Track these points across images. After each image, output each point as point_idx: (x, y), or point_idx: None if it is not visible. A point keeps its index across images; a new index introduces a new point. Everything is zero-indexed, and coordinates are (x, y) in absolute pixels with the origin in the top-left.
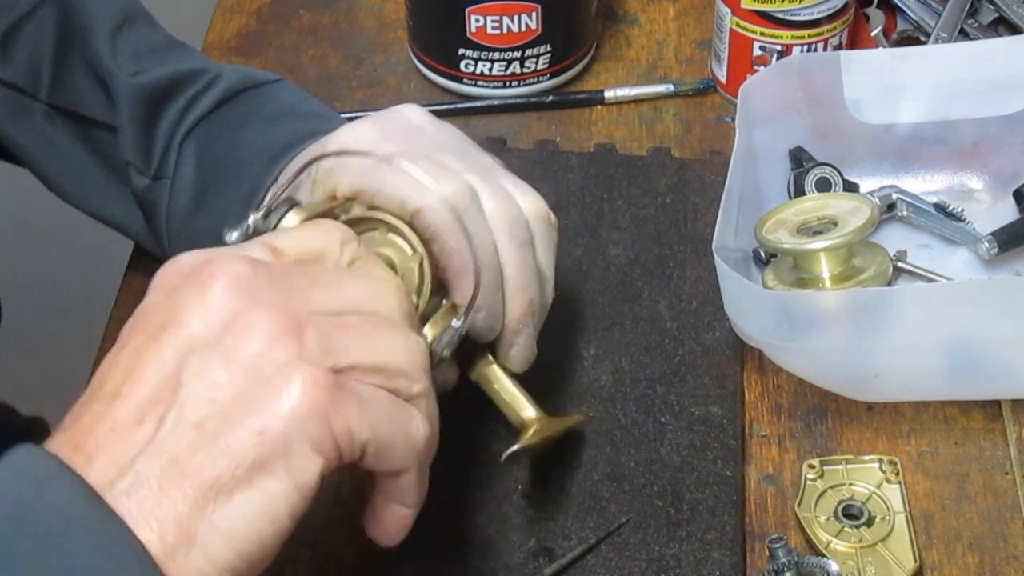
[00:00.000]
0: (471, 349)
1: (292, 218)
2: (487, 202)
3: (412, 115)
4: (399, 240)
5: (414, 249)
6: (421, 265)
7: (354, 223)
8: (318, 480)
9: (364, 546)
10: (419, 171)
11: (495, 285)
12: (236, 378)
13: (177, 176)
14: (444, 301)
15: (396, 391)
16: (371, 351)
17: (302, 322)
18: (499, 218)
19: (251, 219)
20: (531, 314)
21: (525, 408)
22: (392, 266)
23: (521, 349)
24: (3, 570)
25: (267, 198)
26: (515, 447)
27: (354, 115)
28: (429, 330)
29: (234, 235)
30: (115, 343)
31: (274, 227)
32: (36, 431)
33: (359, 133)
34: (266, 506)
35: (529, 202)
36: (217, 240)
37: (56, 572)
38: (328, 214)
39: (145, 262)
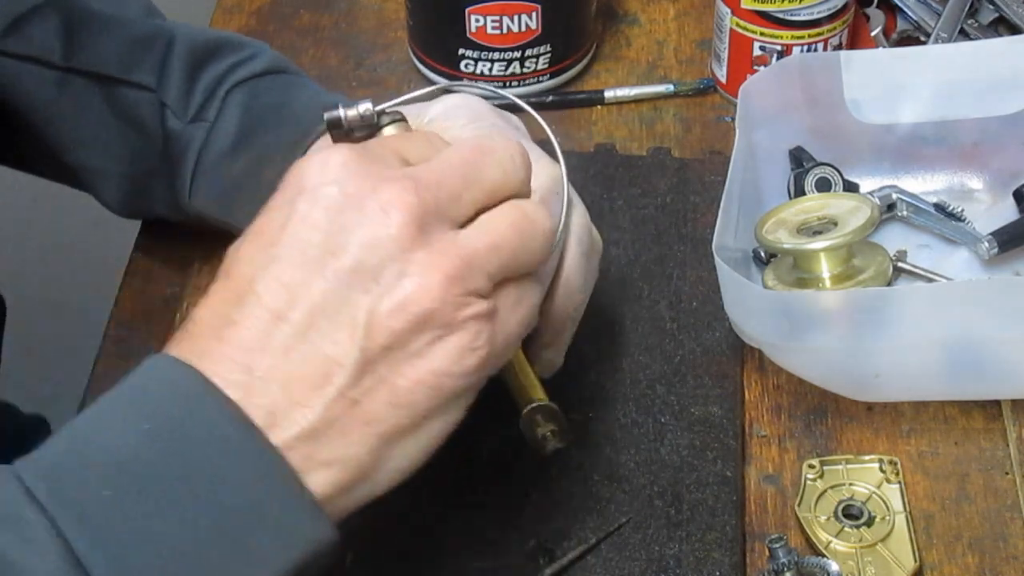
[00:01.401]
0: None
1: (391, 130)
2: (575, 209)
3: (478, 105)
4: None
5: None
6: None
7: None
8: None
9: (364, 546)
10: (529, 145)
11: (546, 279)
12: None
13: (220, 119)
14: None
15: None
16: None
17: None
18: (574, 223)
19: (362, 106)
20: (568, 320)
21: (538, 396)
22: None
23: (555, 352)
24: (160, 490)
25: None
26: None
27: None
28: None
29: (350, 113)
30: (265, 250)
31: (381, 127)
32: (37, 430)
33: (457, 100)
34: (431, 444)
35: (596, 235)
36: (251, 180)
37: (209, 496)
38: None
39: (145, 263)
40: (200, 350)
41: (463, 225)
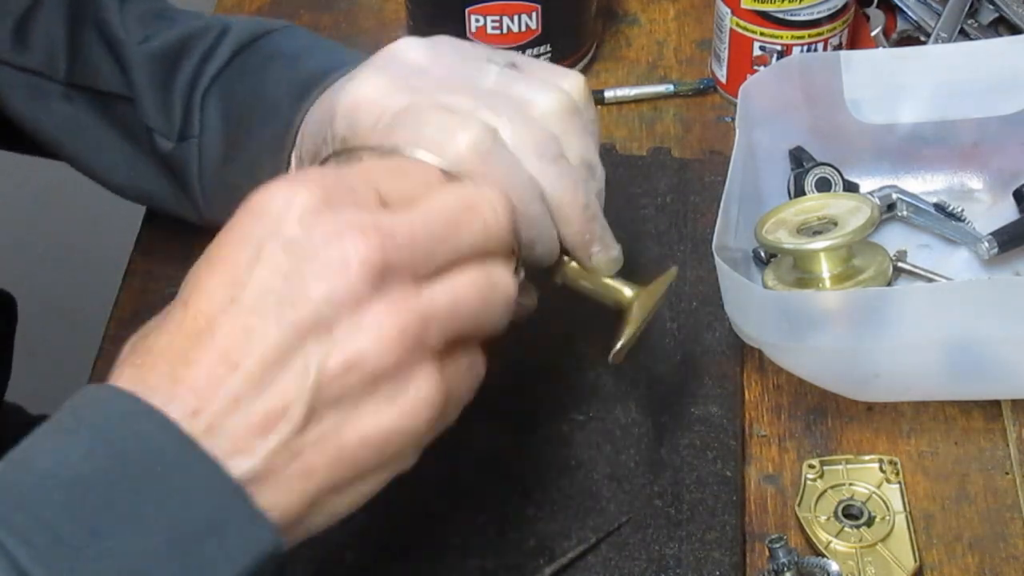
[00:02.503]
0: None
1: None
2: (505, 131)
3: (410, 53)
4: None
5: None
6: None
7: None
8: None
9: (364, 546)
10: (434, 126)
11: (541, 213)
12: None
13: (204, 132)
14: None
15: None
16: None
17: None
18: (522, 143)
19: None
20: (591, 219)
21: (619, 292)
22: None
23: (600, 253)
24: (106, 506)
25: (296, 148)
26: (619, 343)
27: None
28: None
29: None
30: (216, 272)
31: None
32: None
33: (363, 90)
34: (371, 493)
35: (549, 101)
36: (249, 187)
37: (157, 509)
38: None
39: (145, 263)
40: (151, 386)
41: (428, 277)
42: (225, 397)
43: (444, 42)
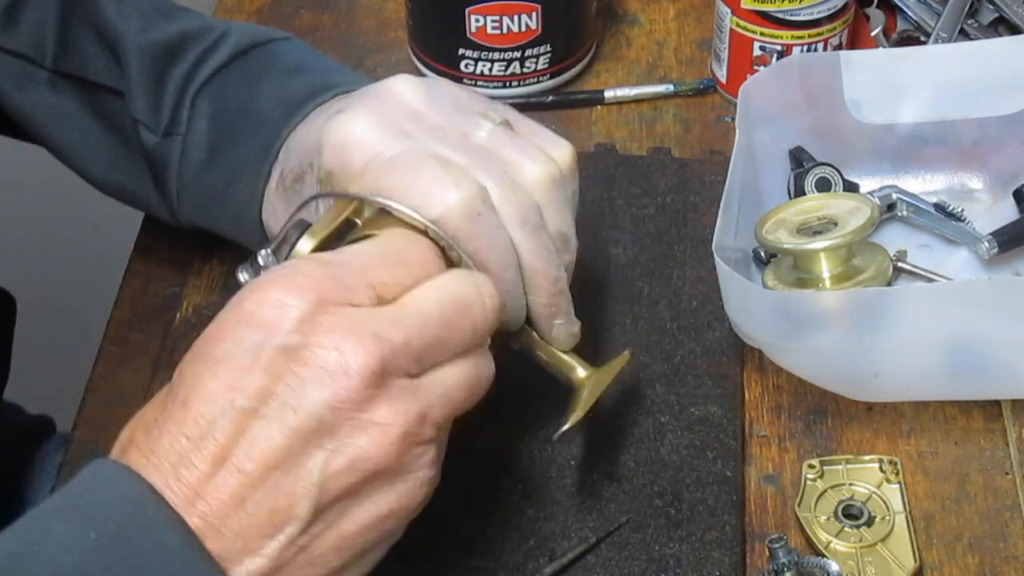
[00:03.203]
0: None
1: (305, 244)
2: (494, 194)
3: (405, 94)
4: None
5: (453, 249)
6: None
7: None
8: None
9: None
10: (427, 179)
11: (514, 280)
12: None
13: (190, 131)
14: None
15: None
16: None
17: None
18: (507, 208)
19: (262, 256)
20: (558, 293)
21: (573, 369)
22: None
23: (562, 327)
24: None
25: (279, 163)
26: (566, 424)
27: None
28: None
29: (245, 275)
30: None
31: (286, 258)
32: (42, 430)
33: (355, 128)
34: (371, 566)
35: (537, 170)
36: (227, 193)
37: None
38: (341, 228)
39: (145, 263)
40: (159, 488)
41: (423, 372)
42: (230, 500)
43: (441, 87)
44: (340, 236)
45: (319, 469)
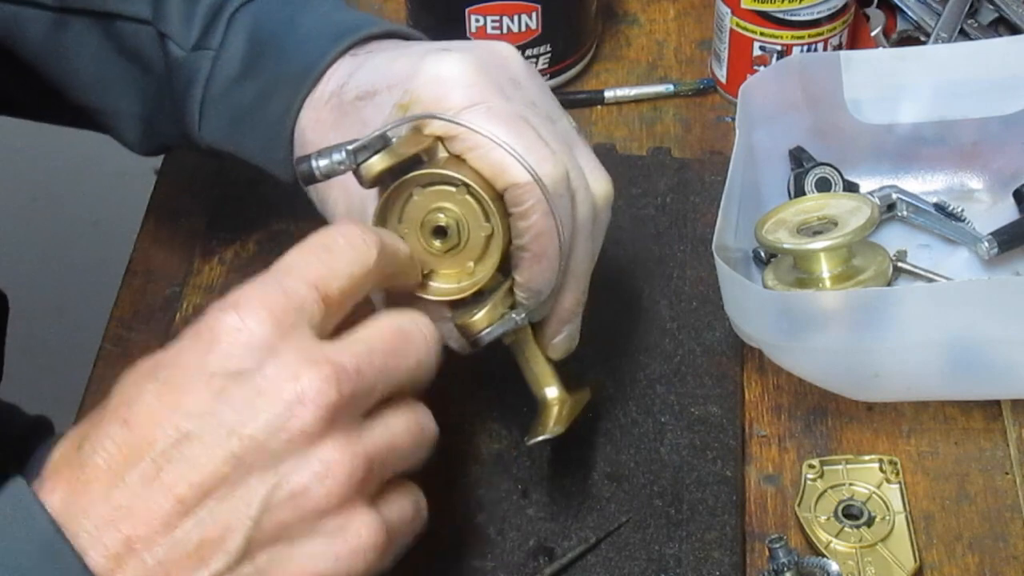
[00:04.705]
0: None
1: (383, 160)
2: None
3: (511, 61)
4: (475, 204)
5: (488, 219)
6: (491, 237)
7: (431, 176)
8: None
9: None
10: (527, 143)
11: (553, 270)
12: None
13: (225, 46)
14: (505, 280)
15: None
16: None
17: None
18: (580, 208)
19: (344, 151)
20: (579, 303)
21: (548, 386)
22: (456, 228)
23: (565, 339)
24: None
25: (333, 78)
26: (537, 438)
27: None
28: (484, 314)
29: (322, 163)
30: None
31: (359, 164)
32: (40, 430)
33: (463, 69)
34: None
35: (600, 187)
36: (258, 108)
37: None
38: (414, 159)
39: (145, 263)
40: (84, 505)
41: (367, 415)
42: (159, 525)
43: (535, 68)
44: (406, 169)
45: (258, 501)
